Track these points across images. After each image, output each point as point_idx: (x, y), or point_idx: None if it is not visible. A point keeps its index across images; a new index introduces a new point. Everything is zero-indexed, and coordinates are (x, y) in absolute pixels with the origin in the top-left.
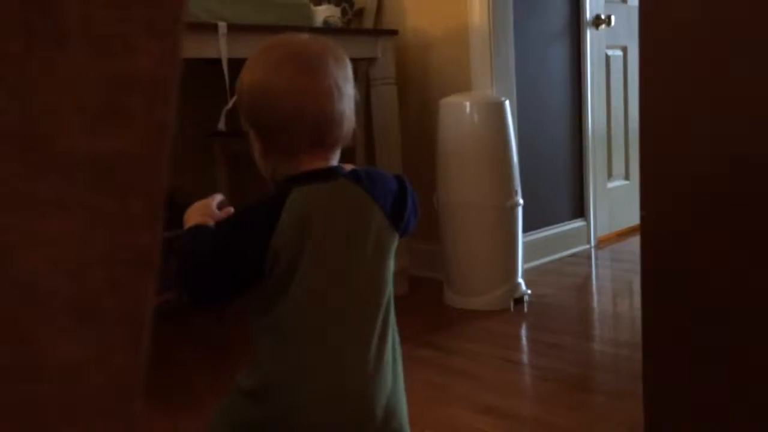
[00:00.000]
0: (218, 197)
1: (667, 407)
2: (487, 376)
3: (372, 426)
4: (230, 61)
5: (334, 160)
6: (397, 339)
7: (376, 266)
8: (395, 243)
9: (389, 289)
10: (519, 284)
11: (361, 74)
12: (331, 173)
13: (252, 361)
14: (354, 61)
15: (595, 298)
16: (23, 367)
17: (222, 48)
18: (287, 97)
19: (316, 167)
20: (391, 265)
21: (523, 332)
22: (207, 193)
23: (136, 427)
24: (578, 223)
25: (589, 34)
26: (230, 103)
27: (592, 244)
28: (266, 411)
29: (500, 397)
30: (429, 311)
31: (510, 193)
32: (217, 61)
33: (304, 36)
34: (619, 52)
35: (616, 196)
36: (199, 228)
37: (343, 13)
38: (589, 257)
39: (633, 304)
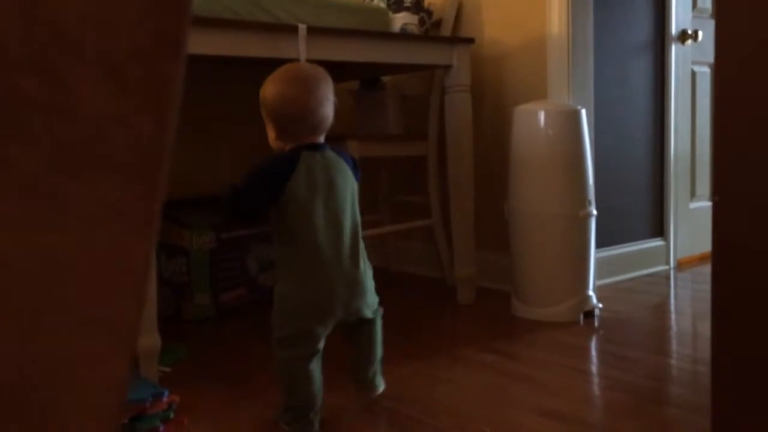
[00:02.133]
0: None
1: (736, 422)
2: (552, 382)
3: (350, 299)
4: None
5: (321, 140)
6: (365, 253)
7: (350, 203)
8: (355, 195)
9: (358, 219)
10: (590, 297)
11: (437, 81)
12: (322, 147)
13: (279, 276)
14: (429, 68)
15: (673, 317)
16: (58, 106)
17: (301, 49)
18: (296, 104)
19: (312, 143)
20: (357, 205)
21: (593, 344)
22: None
23: (160, 193)
24: (657, 243)
25: (674, 49)
26: None
27: (672, 265)
28: (294, 295)
29: (564, 402)
30: (495, 320)
31: (583, 203)
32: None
33: (306, 64)
34: (706, 69)
35: (699, 218)
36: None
37: (421, 23)
38: (668, 278)
39: None
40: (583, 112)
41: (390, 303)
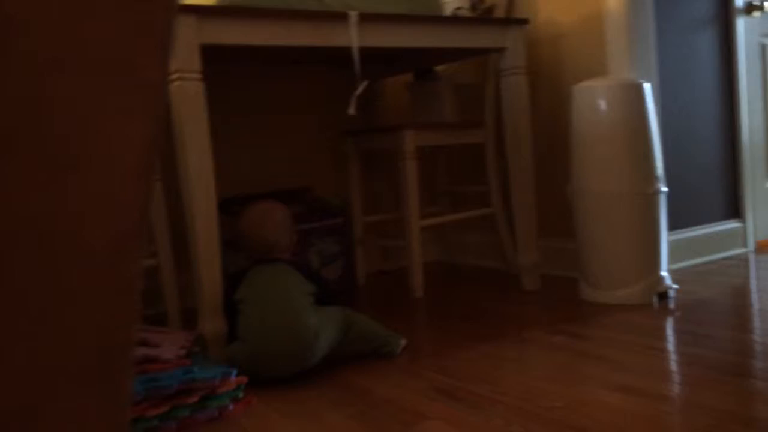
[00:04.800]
0: None
1: None
2: (626, 360)
3: (288, 365)
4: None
5: (278, 256)
6: (317, 319)
7: (290, 292)
8: (307, 288)
9: (299, 306)
10: (663, 278)
11: (491, 66)
12: (274, 261)
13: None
14: (483, 51)
15: (755, 296)
16: None
17: (353, 37)
18: (262, 235)
19: (268, 258)
20: (307, 293)
21: (669, 324)
22: (340, 192)
23: None
24: (733, 224)
25: (741, 21)
26: (360, 89)
27: (750, 247)
28: (248, 348)
29: (639, 378)
30: (562, 304)
31: (651, 179)
32: (342, 62)
33: (266, 203)
34: None
35: None
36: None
37: (473, 8)
38: (747, 261)
39: None
40: (647, 85)
41: (453, 291)
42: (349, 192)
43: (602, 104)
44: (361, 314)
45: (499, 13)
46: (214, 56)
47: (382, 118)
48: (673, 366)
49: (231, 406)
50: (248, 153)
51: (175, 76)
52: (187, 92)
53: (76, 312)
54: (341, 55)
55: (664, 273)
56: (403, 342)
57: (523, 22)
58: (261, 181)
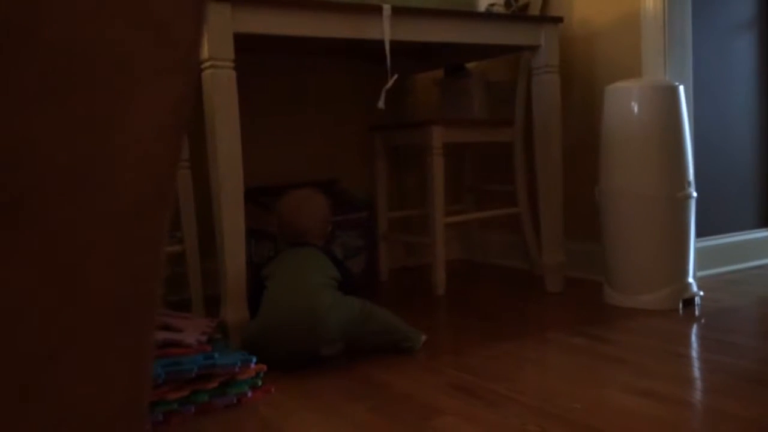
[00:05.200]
0: None
1: None
2: (647, 364)
3: (300, 342)
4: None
5: (308, 240)
6: (336, 302)
7: (314, 273)
8: (332, 273)
9: (320, 283)
10: (690, 284)
11: (523, 64)
12: (302, 245)
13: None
14: (516, 49)
15: None
16: None
17: (385, 30)
18: (297, 220)
19: (297, 242)
20: (330, 277)
21: (693, 330)
22: (368, 185)
23: None
24: (764, 233)
25: None
26: (390, 83)
27: None
28: (262, 321)
29: (660, 383)
30: (585, 307)
31: (682, 184)
32: (373, 56)
33: (308, 192)
34: None
35: None
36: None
37: (507, 5)
38: None
39: None
40: (681, 88)
41: (475, 290)
42: (375, 187)
43: (635, 106)
44: (382, 307)
45: (534, 10)
46: (245, 46)
47: (412, 113)
48: (696, 372)
49: (250, 394)
50: (276, 144)
51: (208, 63)
52: (220, 80)
53: (102, 261)
54: (372, 48)
55: (690, 280)
56: (423, 338)
57: (558, 20)
58: (287, 172)
